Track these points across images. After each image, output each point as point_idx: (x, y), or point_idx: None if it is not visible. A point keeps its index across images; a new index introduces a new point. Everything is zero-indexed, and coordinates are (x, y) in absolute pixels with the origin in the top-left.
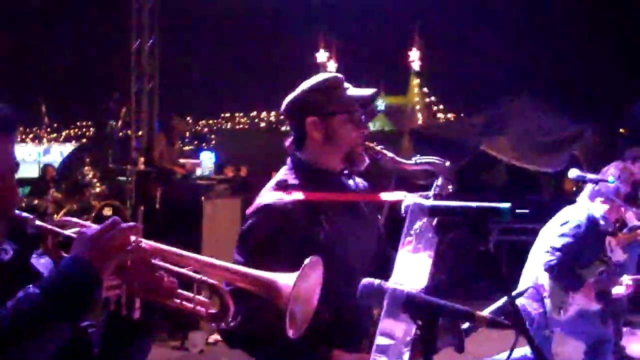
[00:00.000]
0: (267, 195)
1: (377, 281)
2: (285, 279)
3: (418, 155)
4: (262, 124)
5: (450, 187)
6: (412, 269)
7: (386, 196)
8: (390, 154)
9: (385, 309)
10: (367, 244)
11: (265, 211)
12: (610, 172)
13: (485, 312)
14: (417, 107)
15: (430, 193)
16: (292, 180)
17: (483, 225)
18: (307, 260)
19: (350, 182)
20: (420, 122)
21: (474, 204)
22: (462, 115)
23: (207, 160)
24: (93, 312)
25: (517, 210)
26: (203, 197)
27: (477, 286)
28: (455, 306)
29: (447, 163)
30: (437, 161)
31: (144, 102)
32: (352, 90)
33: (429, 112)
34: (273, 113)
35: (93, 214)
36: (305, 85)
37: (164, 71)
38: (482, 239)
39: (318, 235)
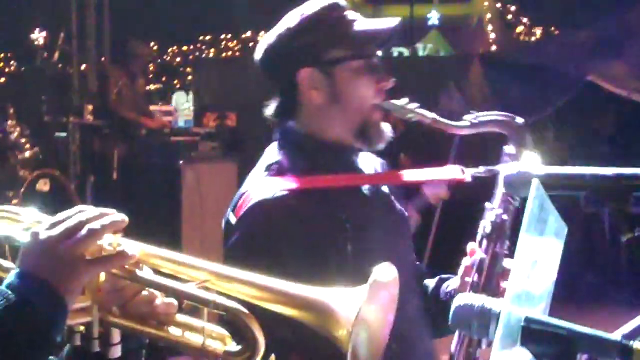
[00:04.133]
0: (257, 187)
1: (478, 300)
2: (344, 298)
3: (478, 111)
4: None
5: (529, 154)
6: (529, 274)
7: (438, 173)
8: (430, 115)
9: (497, 340)
10: (405, 251)
11: (257, 214)
12: None
13: None
14: (488, 18)
15: (498, 168)
16: (289, 161)
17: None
18: (378, 269)
19: (364, 162)
20: (493, 42)
21: (614, 171)
22: (555, 30)
23: (182, 105)
24: (52, 354)
25: None
26: (182, 162)
27: (590, 288)
28: (602, 336)
29: (519, 120)
30: (502, 118)
31: (90, 22)
32: (362, 24)
33: (505, 26)
34: None
35: (22, 190)
36: (291, 21)
37: None
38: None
39: (343, 245)
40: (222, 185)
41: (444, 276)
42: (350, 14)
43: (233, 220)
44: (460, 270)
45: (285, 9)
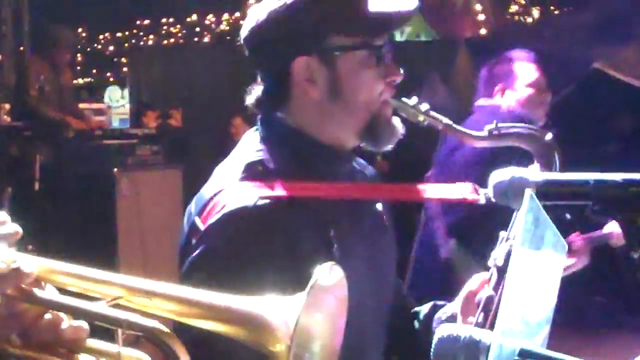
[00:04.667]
0: (232, 191)
1: (464, 330)
2: (281, 308)
3: (465, 105)
4: (206, 37)
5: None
6: (524, 298)
7: (445, 192)
8: (444, 120)
9: None
10: (387, 273)
11: (228, 225)
12: None
13: None
14: None
15: None
16: (270, 162)
17: None
18: (318, 270)
19: (358, 170)
20: (482, 24)
21: (622, 176)
22: (555, 10)
23: (116, 102)
24: None
25: None
26: (116, 169)
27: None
28: None
29: (549, 136)
30: (528, 132)
31: (4, 4)
32: (375, 3)
33: (495, 6)
34: (226, 16)
35: None
36: None
37: None
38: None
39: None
40: (164, 197)
41: (438, 302)
42: None
43: (201, 227)
44: (458, 302)
45: None
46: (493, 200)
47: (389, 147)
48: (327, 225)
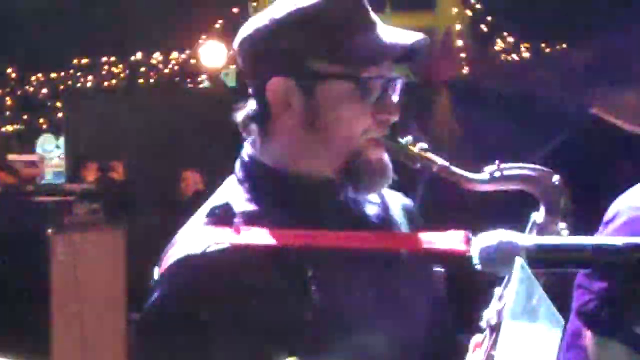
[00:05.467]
0: (188, 236)
1: None
2: None
3: (496, 161)
4: (152, 79)
5: (559, 226)
6: None
7: (433, 240)
8: (439, 161)
9: None
10: (411, 315)
11: (179, 272)
12: None
13: None
14: (458, 31)
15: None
16: (245, 202)
17: None
18: None
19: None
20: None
21: (623, 240)
22: (546, 48)
23: (50, 153)
24: None
25: None
26: (50, 229)
27: None
28: None
29: (555, 178)
30: (534, 173)
31: None
32: (372, 32)
33: (479, 41)
34: (174, 55)
35: None
36: (281, 9)
37: None
38: None
39: (300, 314)
40: (105, 261)
41: None
42: (364, 16)
43: (156, 276)
44: None
45: (183, 23)
46: (478, 267)
47: (374, 192)
48: (302, 267)
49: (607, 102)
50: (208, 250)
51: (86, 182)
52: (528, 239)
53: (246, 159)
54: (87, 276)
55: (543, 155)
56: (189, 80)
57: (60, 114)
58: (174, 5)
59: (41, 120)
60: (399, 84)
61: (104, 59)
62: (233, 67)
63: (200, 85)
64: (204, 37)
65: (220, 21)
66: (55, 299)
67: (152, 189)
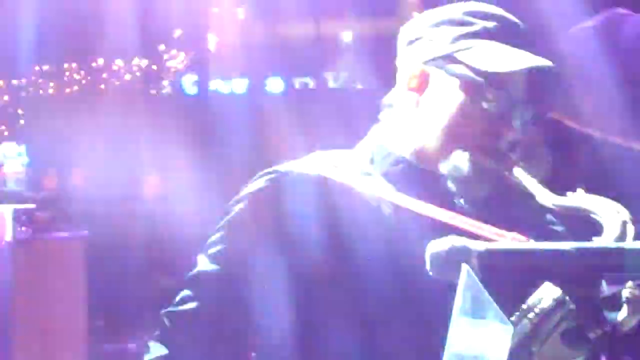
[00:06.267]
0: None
1: None
2: None
3: None
4: (115, 84)
5: None
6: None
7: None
8: (522, 175)
9: None
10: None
11: (269, 180)
12: None
13: None
14: None
15: None
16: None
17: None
18: None
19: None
20: None
21: (573, 245)
22: None
23: (10, 161)
24: None
25: None
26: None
27: None
28: None
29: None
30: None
31: None
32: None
33: None
34: (136, 61)
35: None
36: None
37: None
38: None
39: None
40: (67, 270)
41: None
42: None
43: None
44: None
45: (144, 29)
46: (431, 273)
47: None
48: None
49: (564, 107)
50: (303, 169)
51: (47, 189)
52: (480, 244)
53: (377, 142)
54: (48, 285)
55: None
56: (150, 86)
57: (21, 121)
58: (135, 11)
59: (2, 128)
60: (522, 106)
61: (65, 65)
62: (193, 73)
63: (162, 92)
64: (165, 43)
65: (180, 28)
66: (18, 309)
67: (114, 195)
